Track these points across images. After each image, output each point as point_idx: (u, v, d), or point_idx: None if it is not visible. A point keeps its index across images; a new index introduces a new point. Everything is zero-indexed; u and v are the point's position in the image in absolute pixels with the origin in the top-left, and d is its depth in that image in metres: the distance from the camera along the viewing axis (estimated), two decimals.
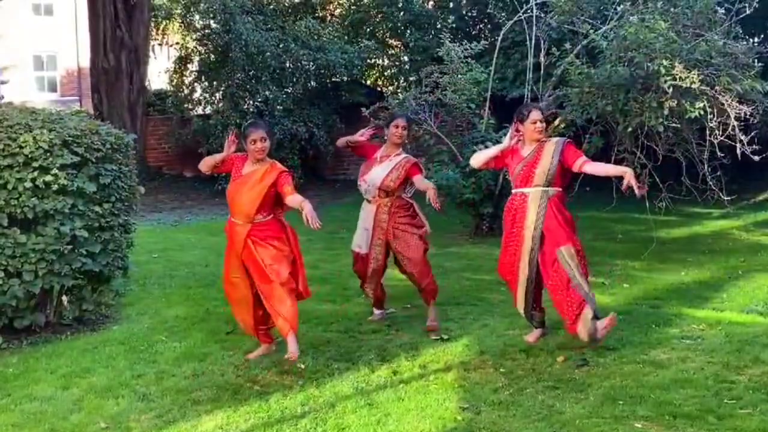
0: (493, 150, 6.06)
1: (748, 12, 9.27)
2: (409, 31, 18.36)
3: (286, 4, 18.61)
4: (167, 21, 18.26)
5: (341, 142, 6.87)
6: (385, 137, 6.70)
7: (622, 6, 9.86)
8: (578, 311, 5.66)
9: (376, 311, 6.87)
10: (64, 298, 6.34)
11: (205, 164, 5.83)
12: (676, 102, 8.56)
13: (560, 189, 5.87)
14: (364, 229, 6.60)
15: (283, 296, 5.60)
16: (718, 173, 9.13)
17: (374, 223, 6.52)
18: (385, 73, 19.94)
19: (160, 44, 18.57)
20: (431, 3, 18.62)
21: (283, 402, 4.92)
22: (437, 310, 6.66)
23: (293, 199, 5.54)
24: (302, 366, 5.57)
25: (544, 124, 5.89)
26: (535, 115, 5.85)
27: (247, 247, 5.59)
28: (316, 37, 17.15)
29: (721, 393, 4.95)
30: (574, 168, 5.78)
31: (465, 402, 4.90)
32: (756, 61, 8.95)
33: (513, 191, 5.95)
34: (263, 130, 5.62)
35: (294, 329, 5.68)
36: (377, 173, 6.50)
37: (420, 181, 6.42)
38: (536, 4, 10.71)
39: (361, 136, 6.73)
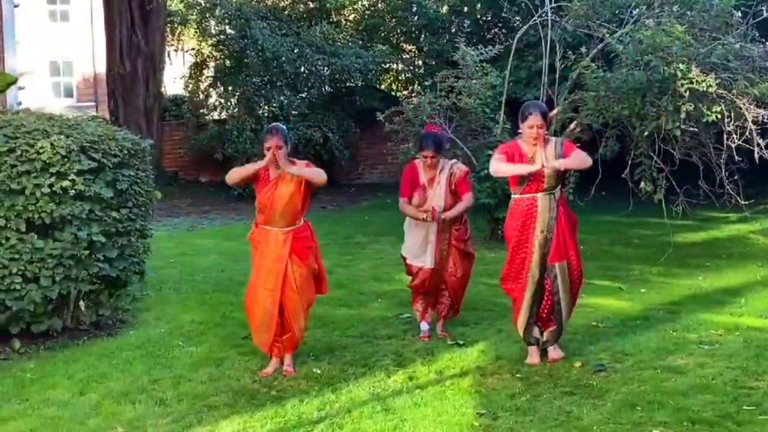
0: (520, 169, 5.57)
1: (765, 15, 9.22)
2: (423, 36, 18.35)
3: (301, 10, 18.65)
4: (183, 27, 18.31)
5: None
6: (418, 156, 6.49)
7: (637, 10, 9.82)
8: (550, 324, 5.75)
9: (425, 325, 6.49)
10: (81, 303, 6.37)
11: (236, 175, 5.58)
12: (692, 106, 8.51)
13: (562, 190, 5.73)
14: (427, 242, 6.28)
15: (302, 315, 5.57)
16: (736, 177, 9.06)
17: (438, 234, 6.26)
18: (400, 78, 19.94)
19: (175, 50, 18.62)
20: (445, 7, 18.61)
21: (300, 407, 4.93)
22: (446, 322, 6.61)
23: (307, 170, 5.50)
24: (318, 371, 5.57)
25: (543, 130, 5.53)
26: (533, 119, 5.49)
27: (286, 262, 5.44)
28: (330, 42, 17.17)
29: (739, 399, 4.92)
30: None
31: (482, 408, 4.89)
32: None
33: (518, 196, 5.61)
34: (278, 137, 5.45)
35: (296, 349, 5.68)
36: (438, 199, 6.23)
37: (467, 201, 6.30)
38: (551, 8, 10.68)
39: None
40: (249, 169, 5.62)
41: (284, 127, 5.76)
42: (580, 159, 5.60)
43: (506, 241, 5.82)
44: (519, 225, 5.62)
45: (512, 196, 5.72)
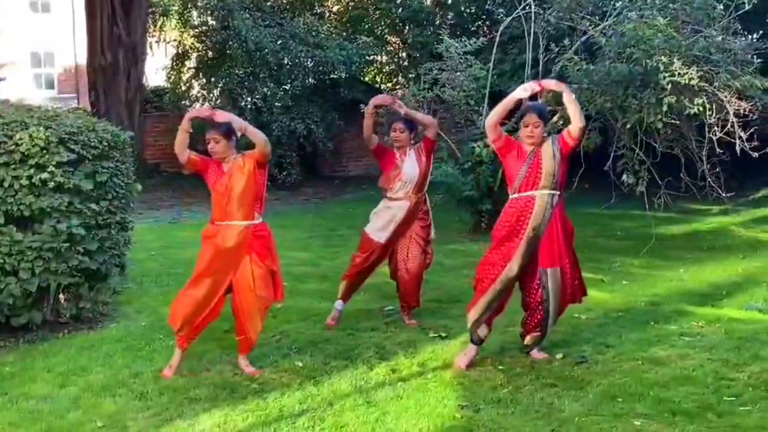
0: (508, 100, 5.41)
1: (747, 8, 9.26)
2: (407, 28, 18.35)
3: (284, 1, 18.58)
4: (164, 18, 18.22)
5: (368, 116, 6.45)
6: (389, 140, 6.68)
7: (620, 2, 9.84)
8: (534, 332, 5.59)
9: (340, 304, 6.64)
10: (61, 296, 6.32)
11: (178, 146, 5.39)
12: (675, 98, 8.54)
13: (562, 194, 5.44)
14: (393, 221, 6.43)
15: (257, 316, 5.41)
16: (717, 170, 9.11)
17: (407, 218, 6.43)
18: (384, 70, 19.91)
19: (157, 41, 18.52)
20: None
21: (281, 400, 4.90)
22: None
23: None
24: (300, 364, 5.55)
25: (539, 129, 5.32)
26: (529, 118, 5.34)
27: (244, 262, 5.31)
28: (314, 34, 17.12)
29: (720, 390, 4.94)
30: (571, 141, 5.34)
31: (464, 400, 4.88)
32: (755, 57, 8.93)
33: (516, 195, 5.37)
34: (216, 132, 5.31)
35: (249, 351, 5.51)
36: (411, 168, 6.42)
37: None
38: (534, 1, 10.68)
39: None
40: (182, 131, 5.38)
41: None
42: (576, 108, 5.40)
43: (492, 237, 5.53)
44: (513, 219, 5.36)
45: (510, 196, 5.44)
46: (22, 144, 5.83)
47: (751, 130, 8.67)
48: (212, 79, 17.22)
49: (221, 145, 5.33)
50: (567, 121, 10.13)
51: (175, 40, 18.12)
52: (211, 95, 17.41)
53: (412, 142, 6.54)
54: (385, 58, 19.56)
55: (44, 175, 5.89)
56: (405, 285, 6.55)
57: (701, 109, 8.55)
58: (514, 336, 6.08)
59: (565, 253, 5.46)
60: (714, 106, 8.63)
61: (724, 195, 9.04)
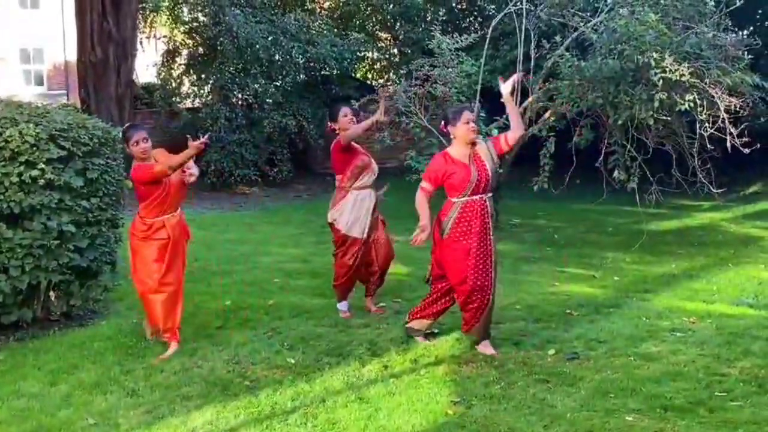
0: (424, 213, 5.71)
1: (737, 4, 9.28)
2: (398, 24, 18.33)
3: None
4: (155, 14, 18.13)
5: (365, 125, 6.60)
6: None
7: None
8: None
9: (345, 305, 6.84)
10: (52, 293, 6.28)
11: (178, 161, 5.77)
12: (666, 95, 8.55)
13: None
14: (367, 215, 6.58)
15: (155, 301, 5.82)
16: (708, 166, 9.13)
17: (375, 206, 6.64)
18: (375, 66, 19.88)
19: (147, 37, 18.41)
20: None
21: (273, 397, 4.89)
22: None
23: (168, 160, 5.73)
24: (292, 360, 5.54)
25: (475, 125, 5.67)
26: (469, 115, 5.64)
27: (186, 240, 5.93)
28: (305, 30, 17.08)
29: (712, 385, 4.96)
30: (505, 147, 5.66)
31: (456, 396, 4.89)
32: (745, 53, 8.94)
33: (468, 198, 5.54)
34: (144, 131, 5.72)
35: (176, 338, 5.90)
36: (368, 157, 6.70)
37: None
38: None
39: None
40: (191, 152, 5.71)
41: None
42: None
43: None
44: (477, 221, 5.62)
45: (456, 199, 5.63)
46: (12, 141, 5.79)
47: (742, 126, 8.69)
48: (203, 76, 17.15)
49: (149, 143, 5.73)
50: (559, 118, 10.16)
51: (165, 36, 18.03)
52: (202, 92, 17.34)
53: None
54: (376, 54, 19.54)
55: (34, 172, 5.85)
56: (383, 262, 6.78)
57: (692, 105, 8.57)
58: (507, 332, 6.11)
59: None
60: (705, 102, 8.65)
61: (714, 191, 9.05)
